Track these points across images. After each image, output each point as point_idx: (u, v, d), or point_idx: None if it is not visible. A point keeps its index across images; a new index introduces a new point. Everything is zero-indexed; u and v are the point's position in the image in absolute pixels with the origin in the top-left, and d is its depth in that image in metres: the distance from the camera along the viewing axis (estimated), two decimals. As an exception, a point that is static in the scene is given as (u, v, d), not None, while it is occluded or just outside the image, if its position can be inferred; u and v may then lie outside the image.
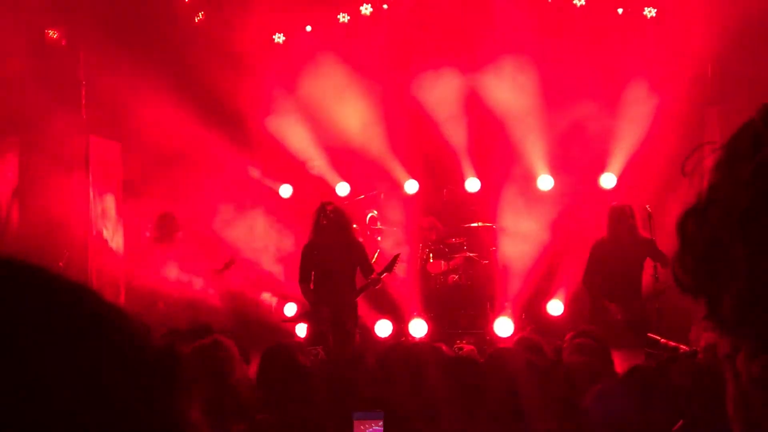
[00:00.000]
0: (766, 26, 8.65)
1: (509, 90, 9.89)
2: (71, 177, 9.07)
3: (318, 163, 10.47)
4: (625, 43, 9.87)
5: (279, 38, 10.79)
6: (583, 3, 10.22)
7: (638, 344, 7.20)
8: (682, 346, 5.81)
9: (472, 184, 10.43)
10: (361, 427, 3.58)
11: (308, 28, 10.67)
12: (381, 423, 3.60)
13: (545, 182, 10.21)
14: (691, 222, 0.92)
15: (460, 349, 5.97)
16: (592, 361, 4.75)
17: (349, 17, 10.63)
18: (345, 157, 10.39)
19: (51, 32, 9.28)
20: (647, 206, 7.74)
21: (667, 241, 8.15)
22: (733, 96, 8.60)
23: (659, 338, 6.32)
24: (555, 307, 9.49)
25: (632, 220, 7.46)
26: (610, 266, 7.43)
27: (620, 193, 9.46)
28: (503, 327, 8.83)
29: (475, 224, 9.98)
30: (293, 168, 10.60)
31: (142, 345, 0.82)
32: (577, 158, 9.84)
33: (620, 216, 7.48)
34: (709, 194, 0.92)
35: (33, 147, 8.94)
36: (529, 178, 10.17)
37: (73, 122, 9.11)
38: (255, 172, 10.77)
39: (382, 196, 10.36)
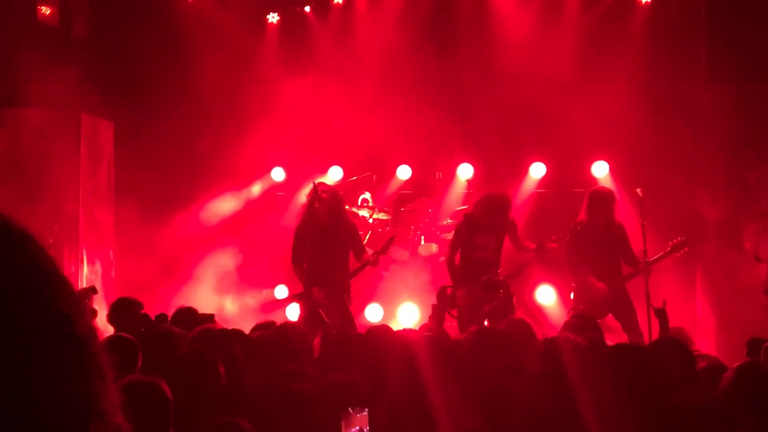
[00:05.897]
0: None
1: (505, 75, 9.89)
2: (64, 155, 9.00)
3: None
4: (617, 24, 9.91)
5: (273, 18, 10.72)
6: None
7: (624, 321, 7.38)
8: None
9: (465, 170, 10.39)
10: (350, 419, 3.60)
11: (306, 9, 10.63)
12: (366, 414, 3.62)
13: (538, 170, 10.22)
14: None
15: None
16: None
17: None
18: (339, 140, 10.32)
19: (44, 9, 9.21)
20: (638, 190, 7.76)
21: (658, 224, 8.20)
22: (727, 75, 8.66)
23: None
24: (545, 293, 9.50)
25: (612, 208, 7.57)
26: (588, 248, 7.52)
27: (612, 179, 9.49)
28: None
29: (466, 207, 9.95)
30: (286, 151, 10.51)
31: (50, 309, 0.79)
32: (569, 145, 9.81)
33: (601, 201, 7.56)
34: None
35: (25, 125, 8.88)
36: (522, 165, 10.17)
37: (65, 100, 9.05)
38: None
39: (374, 178, 10.34)
